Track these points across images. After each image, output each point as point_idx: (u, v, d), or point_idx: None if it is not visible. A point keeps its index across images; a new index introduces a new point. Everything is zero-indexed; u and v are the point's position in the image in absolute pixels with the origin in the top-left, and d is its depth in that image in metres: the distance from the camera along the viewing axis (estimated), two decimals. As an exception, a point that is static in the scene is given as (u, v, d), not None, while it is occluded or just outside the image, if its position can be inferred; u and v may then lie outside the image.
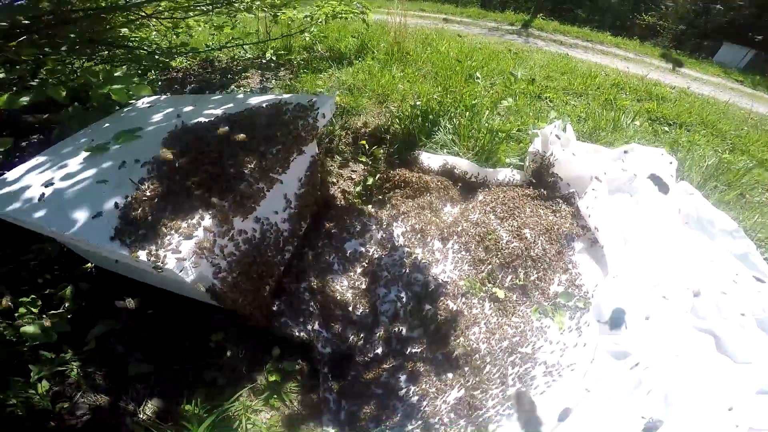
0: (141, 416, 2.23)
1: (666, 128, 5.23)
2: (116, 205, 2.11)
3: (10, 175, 2.42)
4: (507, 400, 2.61)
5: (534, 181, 3.86)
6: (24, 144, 3.92)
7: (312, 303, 2.96)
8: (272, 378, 2.71)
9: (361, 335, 2.85)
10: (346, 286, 3.04)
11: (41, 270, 2.81)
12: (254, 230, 2.64)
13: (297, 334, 2.82)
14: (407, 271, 3.06)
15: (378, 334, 2.80)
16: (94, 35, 2.52)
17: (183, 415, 2.23)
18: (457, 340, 2.78)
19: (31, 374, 2.14)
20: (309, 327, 2.86)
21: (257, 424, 2.44)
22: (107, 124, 2.86)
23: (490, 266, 3.15)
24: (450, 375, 2.73)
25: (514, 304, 3.01)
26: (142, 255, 1.90)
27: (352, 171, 4.27)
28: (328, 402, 2.73)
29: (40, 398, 2.14)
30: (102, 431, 2.17)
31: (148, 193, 2.09)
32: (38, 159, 2.51)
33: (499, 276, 3.15)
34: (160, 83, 5.34)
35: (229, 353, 2.78)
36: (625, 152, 3.83)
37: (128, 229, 1.99)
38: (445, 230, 3.41)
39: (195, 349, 2.66)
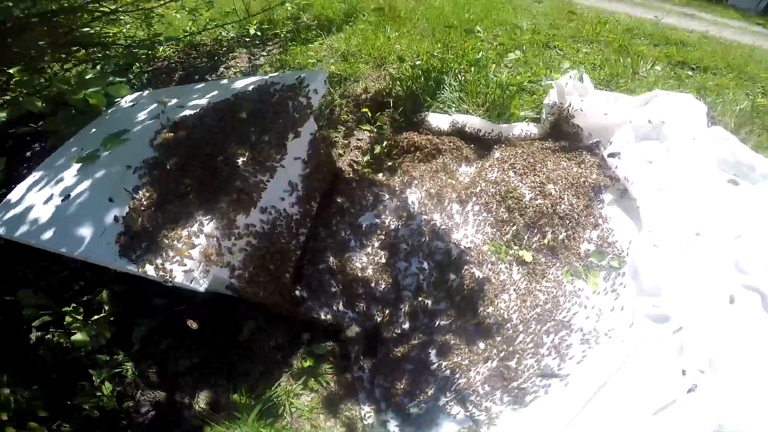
0: (196, 408, 2.34)
1: (689, 73, 4.84)
2: (116, 219, 2.03)
3: (13, 196, 2.37)
4: (544, 370, 2.49)
5: (553, 133, 3.56)
6: (27, 154, 3.91)
7: (333, 284, 2.91)
8: (306, 363, 2.72)
9: (386, 312, 2.81)
10: (365, 263, 2.96)
11: (75, 277, 2.87)
12: (262, 222, 2.54)
13: (323, 317, 2.80)
14: (427, 239, 2.94)
15: (403, 310, 2.75)
16: (59, 38, 2.34)
17: (232, 404, 2.33)
18: (487, 310, 2.70)
19: (93, 378, 2.28)
20: (334, 308, 2.83)
21: (299, 407, 2.49)
22: (94, 129, 2.72)
23: (514, 227, 2.98)
24: (482, 346, 2.65)
25: (543, 266, 2.86)
26: (150, 270, 1.84)
27: (358, 140, 4.02)
28: (362, 380, 2.75)
29: (107, 399, 2.29)
30: (165, 425, 2.32)
31: (145, 203, 2.00)
32: (35, 175, 2.43)
33: (525, 237, 2.98)
34: (146, 75, 5.13)
35: (261, 343, 2.83)
36: (649, 99, 3.46)
37: (132, 243, 1.93)
38: (463, 192, 3.21)
39: (229, 340, 2.70)
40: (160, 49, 5.58)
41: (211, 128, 2.37)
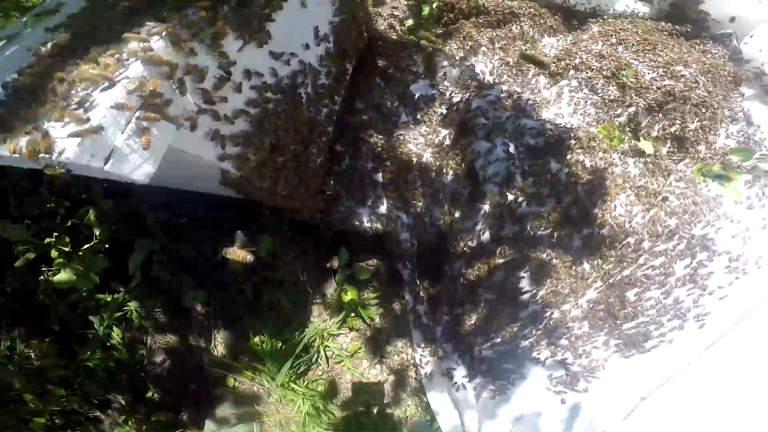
0: (215, 354, 1.95)
1: None
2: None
3: None
4: (674, 306, 1.73)
5: (671, 16, 2.71)
6: None
7: (379, 174, 1.97)
8: (346, 297, 1.86)
9: (456, 214, 1.92)
10: (422, 144, 2.02)
11: (58, 197, 2.08)
12: (275, 72, 1.54)
13: (365, 224, 1.86)
14: (512, 115, 2.04)
15: (482, 211, 1.86)
16: None
17: (253, 350, 1.88)
18: (604, 216, 1.87)
19: (96, 326, 1.91)
20: (380, 210, 1.90)
21: (337, 352, 1.91)
22: None
23: (631, 109, 2.13)
24: (586, 268, 1.86)
25: (666, 161, 2.06)
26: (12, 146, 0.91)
27: (393, 8, 3.00)
28: (418, 315, 1.88)
29: (120, 351, 1.95)
30: (184, 376, 1.99)
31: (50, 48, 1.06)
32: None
33: (643, 123, 2.15)
34: None
35: (284, 265, 1.94)
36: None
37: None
38: (553, 64, 2.32)
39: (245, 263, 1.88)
40: None
41: None
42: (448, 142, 1.96)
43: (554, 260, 1.80)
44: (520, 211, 1.81)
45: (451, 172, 1.89)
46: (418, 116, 2.04)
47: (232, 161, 1.37)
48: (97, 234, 1.95)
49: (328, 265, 1.98)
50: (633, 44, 2.35)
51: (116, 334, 1.96)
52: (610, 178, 1.88)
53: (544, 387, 1.71)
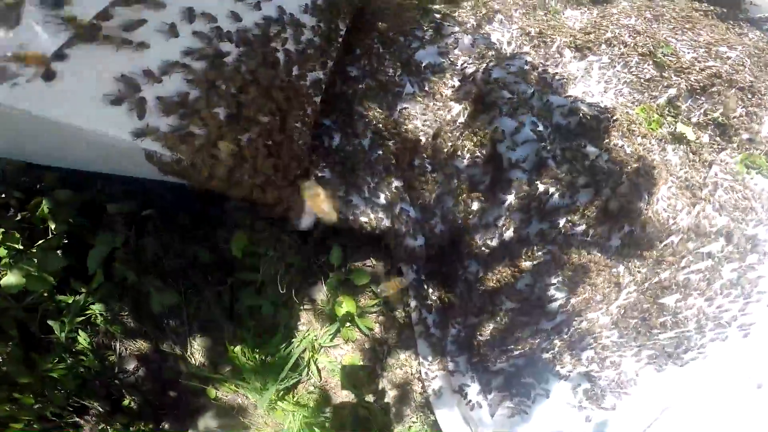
0: (192, 362, 1.75)
1: None
2: None
3: None
4: (717, 314, 1.54)
5: None
6: None
7: (379, 156, 1.61)
8: (341, 308, 1.54)
9: (474, 206, 1.58)
10: (431, 120, 1.67)
11: (8, 187, 1.78)
12: (235, 16, 1.16)
13: (361, 218, 1.48)
14: (537, 90, 1.70)
15: (506, 203, 1.52)
16: None
17: (235, 363, 1.66)
18: (648, 211, 1.57)
19: (56, 332, 1.68)
20: (379, 201, 1.53)
21: (330, 366, 1.64)
22: None
23: (672, 90, 1.85)
24: (620, 270, 1.56)
25: (707, 149, 1.79)
26: None
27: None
28: (426, 326, 1.55)
29: (89, 357, 1.75)
30: (164, 383, 1.79)
31: None
32: None
33: (683, 106, 1.87)
34: None
35: (265, 263, 1.60)
36: None
37: None
38: (579, 37, 2.01)
39: (220, 260, 1.73)
40: None
41: None
42: (462, 119, 1.61)
43: (590, 263, 1.50)
44: (552, 204, 1.48)
45: (467, 155, 1.54)
46: (426, 88, 1.68)
47: (161, 139, 0.95)
48: (53, 228, 1.68)
49: (317, 265, 1.61)
50: (670, 21, 2.05)
51: (83, 338, 1.74)
52: (657, 167, 1.59)
53: (567, 403, 1.53)
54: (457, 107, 1.64)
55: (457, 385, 1.58)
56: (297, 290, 1.60)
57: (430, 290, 1.59)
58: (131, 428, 1.79)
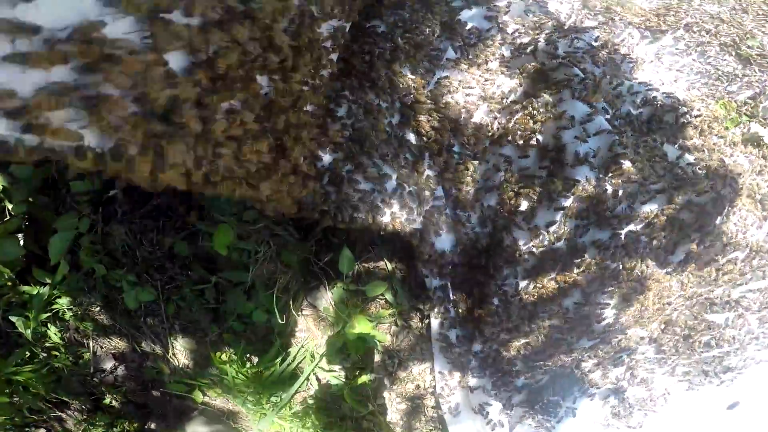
0: (176, 363, 1.53)
1: None
2: None
3: None
4: (764, 333, 1.43)
5: None
6: None
7: (409, 135, 1.28)
8: (353, 330, 1.24)
9: (523, 206, 1.27)
10: (476, 95, 1.34)
11: None
12: None
13: (382, 218, 1.17)
14: (606, 72, 1.40)
15: (565, 204, 1.23)
16: None
17: (221, 369, 1.42)
18: (724, 224, 1.30)
19: (20, 328, 1.46)
20: (405, 194, 1.21)
21: (334, 380, 1.40)
22: None
23: (756, 86, 1.57)
24: (675, 285, 1.32)
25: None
26: None
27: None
28: (449, 342, 1.28)
29: (63, 355, 1.56)
30: (147, 382, 1.61)
31: None
32: None
33: (762, 106, 1.60)
34: None
35: (255, 263, 1.31)
36: None
37: None
38: (651, 18, 1.70)
39: (201, 254, 1.42)
40: None
41: None
42: (515, 96, 1.30)
43: (647, 279, 1.24)
44: (618, 210, 1.20)
45: (520, 141, 1.23)
46: (470, 55, 1.36)
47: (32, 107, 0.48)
48: (10, 209, 1.45)
49: (318, 266, 1.30)
50: (759, 13, 1.78)
51: (54, 333, 1.55)
52: (743, 174, 1.32)
53: (592, 421, 1.44)
54: (509, 82, 1.32)
55: (477, 403, 1.36)
56: (295, 295, 1.28)
57: (457, 302, 1.31)
58: (115, 427, 1.69)
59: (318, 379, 1.44)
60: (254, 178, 0.81)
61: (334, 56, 1.13)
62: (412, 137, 1.24)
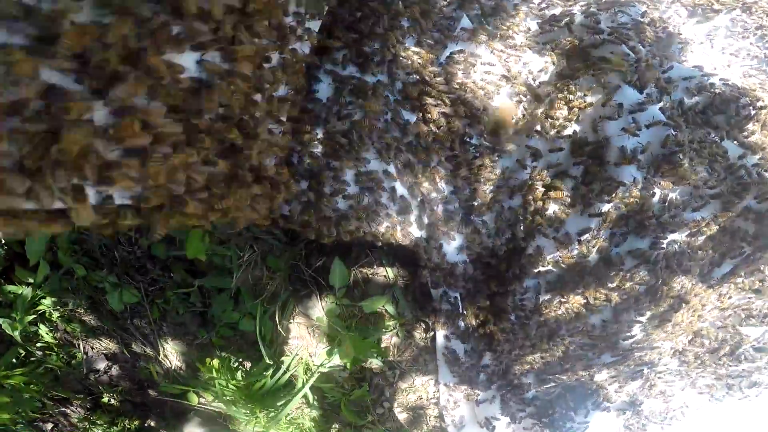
0: (169, 364, 1.47)
1: None
2: None
3: None
4: None
5: None
6: None
7: (414, 122, 1.05)
8: (348, 355, 1.09)
9: (550, 210, 1.05)
10: (498, 75, 1.11)
11: None
12: None
13: (380, 228, 0.94)
14: (654, 53, 1.18)
15: (602, 210, 1.01)
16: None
17: (209, 376, 1.30)
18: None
19: (7, 329, 1.42)
20: (407, 194, 0.98)
21: (329, 392, 1.27)
22: None
23: None
24: (713, 298, 1.16)
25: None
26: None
27: None
28: (455, 356, 1.13)
29: (57, 355, 1.55)
30: (142, 382, 1.58)
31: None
32: None
33: None
34: None
35: (239, 269, 1.17)
36: None
37: None
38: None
39: (182, 257, 1.21)
40: None
41: None
42: (545, 77, 1.08)
43: (688, 294, 1.05)
44: (665, 217, 0.99)
45: (552, 132, 1.01)
46: (490, 26, 1.12)
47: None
48: None
49: (309, 273, 1.10)
50: None
51: (45, 333, 1.51)
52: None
53: None
54: (538, 60, 1.09)
55: (483, 417, 1.27)
56: (284, 303, 1.10)
57: (467, 315, 1.12)
58: (116, 425, 1.69)
59: (312, 391, 1.28)
60: (203, 199, 0.59)
61: (313, 24, 0.89)
62: (416, 127, 1.01)
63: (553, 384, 1.26)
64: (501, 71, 1.07)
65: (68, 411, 1.74)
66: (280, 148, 0.77)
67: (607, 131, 0.96)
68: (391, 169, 1.00)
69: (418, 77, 1.04)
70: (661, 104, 1.01)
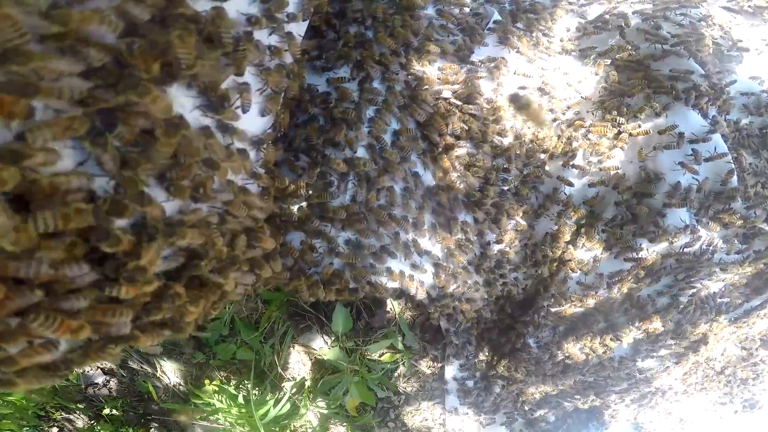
0: (168, 381, 1.36)
1: None
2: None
3: None
4: None
5: None
6: None
7: (435, 143, 0.84)
8: (354, 401, 1.03)
9: (579, 253, 0.89)
10: (533, 84, 0.92)
11: None
12: None
13: (383, 279, 0.73)
14: (717, 64, 0.97)
15: (640, 254, 0.85)
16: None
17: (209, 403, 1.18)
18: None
19: None
20: (415, 263, 0.79)
21: (332, 415, 1.11)
22: None
23: None
24: (733, 328, 1.06)
25: None
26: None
27: None
28: (465, 388, 1.03)
29: None
30: (140, 395, 1.44)
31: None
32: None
33: None
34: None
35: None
36: None
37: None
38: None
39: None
40: None
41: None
42: (590, 91, 0.88)
43: (710, 331, 0.94)
44: (707, 260, 0.84)
45: (594, 160, 0.84)
46: (519, 24, 0.90)
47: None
48: None
49: (308, 306, 0.95)
50: None
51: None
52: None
53: None
54: (579, 69, 0.89)
55: None
56: (282, 336, 0.96)
57: (479, 349, 1.00)
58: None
59: (315, 415, 1.17)
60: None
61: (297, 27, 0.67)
62: (428, 168, 0.82)
63: (561, 408, 1.21)
64: (537, 83, 0.87)
65: (72, 417, 1.69)
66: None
67: (659, 165, 0.78)
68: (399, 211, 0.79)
69: (438, 87, 0.84)
70: (725, 130, 0.83)
